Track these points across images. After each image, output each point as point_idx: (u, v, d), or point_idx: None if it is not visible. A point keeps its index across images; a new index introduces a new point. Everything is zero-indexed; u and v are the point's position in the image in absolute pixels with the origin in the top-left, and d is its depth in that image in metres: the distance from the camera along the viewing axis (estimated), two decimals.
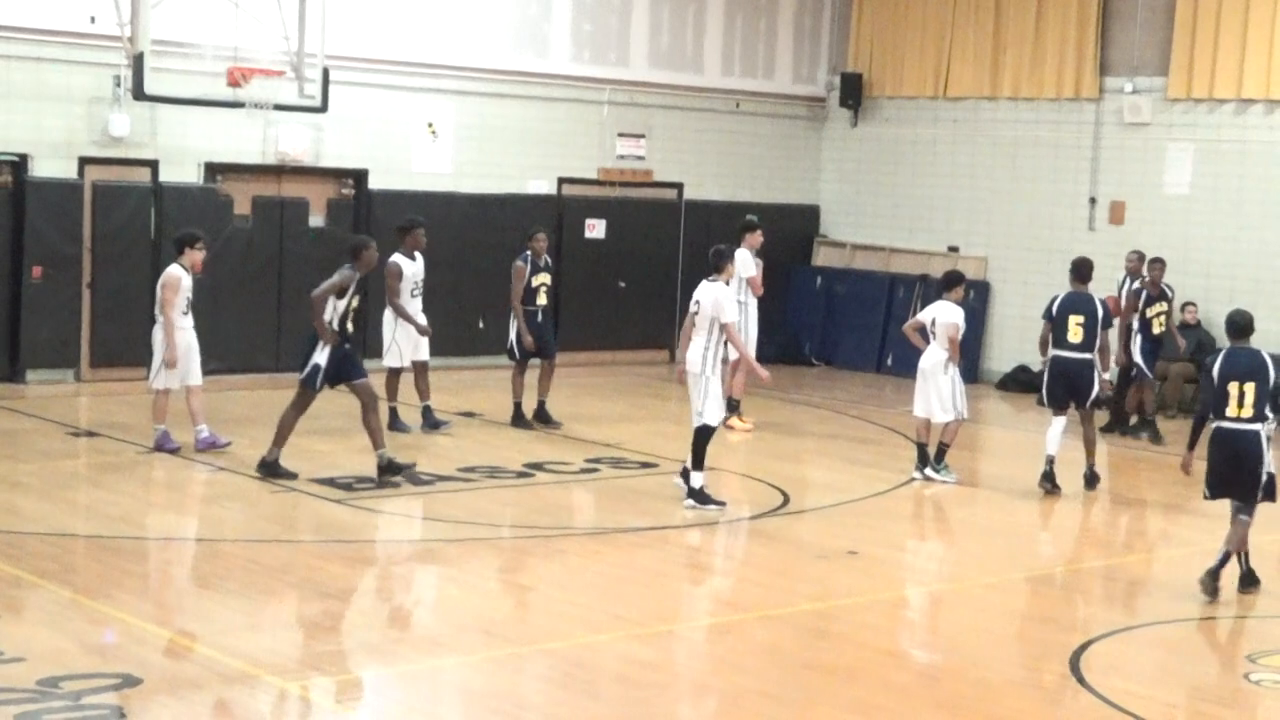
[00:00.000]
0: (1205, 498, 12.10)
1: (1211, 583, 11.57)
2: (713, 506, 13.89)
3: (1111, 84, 22.80)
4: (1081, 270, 15.93)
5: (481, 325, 21.20)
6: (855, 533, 13.56)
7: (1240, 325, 11.91)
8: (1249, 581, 11.87)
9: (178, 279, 15.36)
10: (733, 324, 13.91)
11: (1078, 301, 15.60)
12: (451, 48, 21.93)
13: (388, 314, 16.98)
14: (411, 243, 16.99)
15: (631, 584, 11.77)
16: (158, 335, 15.41)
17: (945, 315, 15.68)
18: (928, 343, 15.84)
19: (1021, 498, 15.95)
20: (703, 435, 13.82)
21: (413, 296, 16.96)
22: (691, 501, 13.92)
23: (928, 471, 15.67)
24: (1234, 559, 11.76)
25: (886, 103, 25.17)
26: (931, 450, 15.72)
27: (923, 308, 23.53)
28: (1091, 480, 15.67)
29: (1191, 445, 12.07)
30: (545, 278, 17.62)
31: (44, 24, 18.84)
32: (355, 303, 14.46)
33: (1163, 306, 19.12)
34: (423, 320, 16.93)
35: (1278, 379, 11.54)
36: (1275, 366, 11.58)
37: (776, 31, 25.26)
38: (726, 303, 13.87)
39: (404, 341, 16.91)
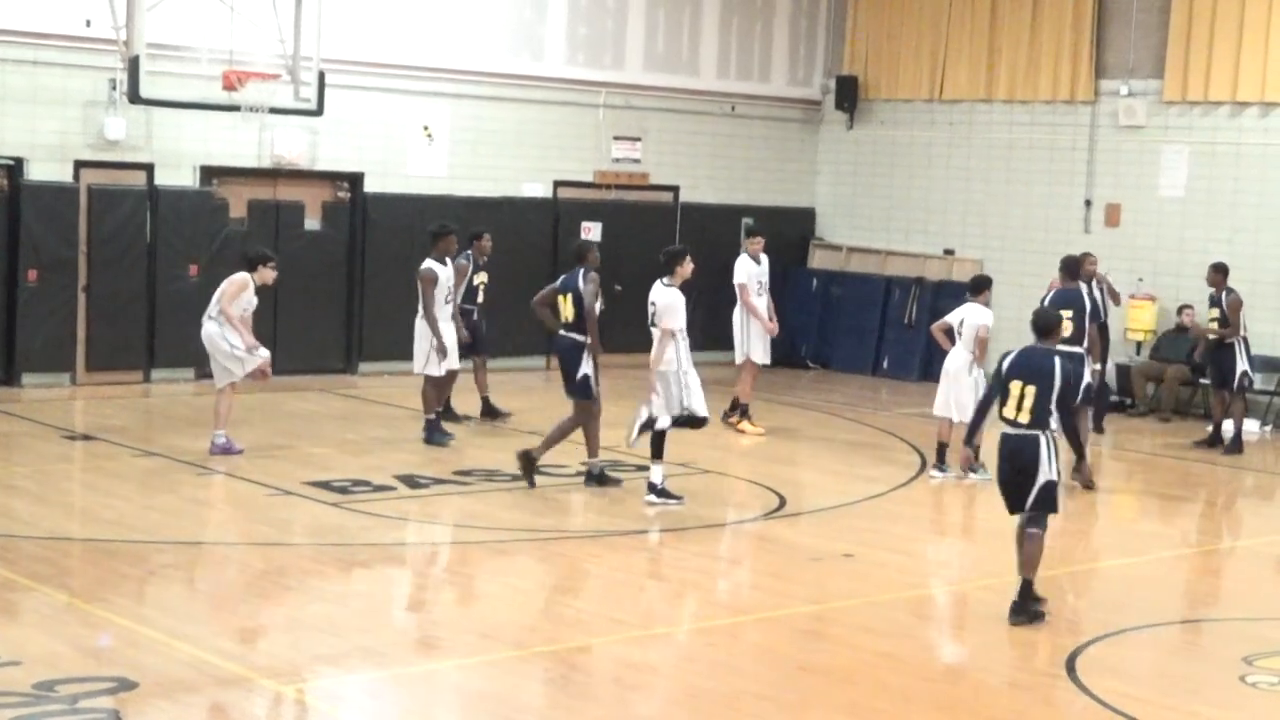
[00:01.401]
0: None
1: (1018, 617, 10.79)
2: (673, 501, 13.91)
3: (1107, 87, 22.83)
4: (1071, 267, 16.40)
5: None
6: (851, 535, 13.56)
7: (1040, 324, 11.11)
8: (1021, 611, 10.83)
9: (245, 282, 15.74)
10: (669, 330, 13.81)
11: (1068, 296, 15.79)
12: (447, 51, 21.93)
13: (419, 321, 16.79)
14: (444, 247, 16.97)
15: (628, 587, 11.77)
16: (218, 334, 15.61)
17: (975, 317, 15.96)
18: (953, 344, 15.95)
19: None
20: (659, 432, 13.86)
21: (445, 303, 16.84)
22: (652, 498, 13.95)
23: (971, 474, 15.74)
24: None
25: (882, 105, 25.19)
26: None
27: (918, 310, 23.69)
28: (1081, 470, 15.45)
29: (968, 439, 11.87)
30: (484, 276, 17.93)
31: (40, 27, 18.84)
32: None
33: (1215, 312, 18.92)
34: (450, 331, 16.88)
35: (1063, 386, 10.65)
36: (1063, 375, 10.67)
37: (772, 34, 25.27)
38: (667, 310, 13.82)
39: (434, 352, 16.76)
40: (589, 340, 14.70)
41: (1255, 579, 13.09)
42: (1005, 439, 10.87)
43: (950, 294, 23.90)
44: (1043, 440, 10.70)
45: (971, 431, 12.11)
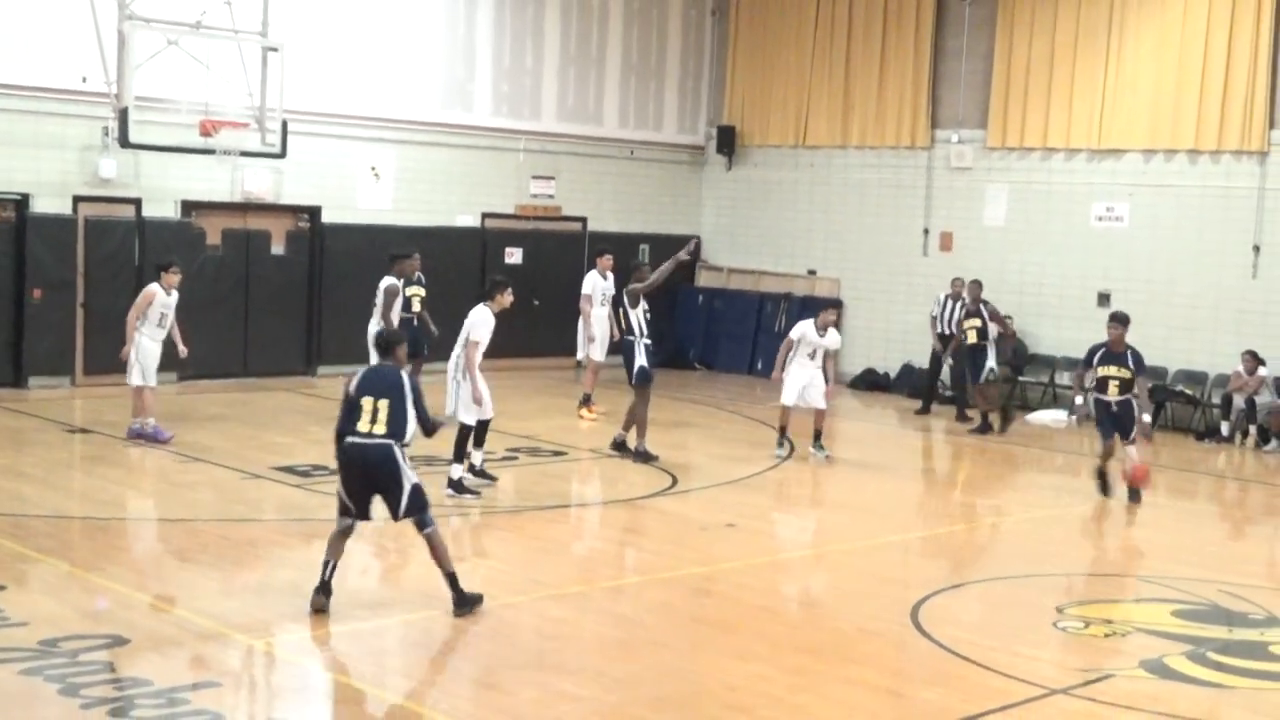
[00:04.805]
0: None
1: (460, 609, 9.57)
2: (469, 496, 13.24)
3: (940, 135, 23.04)
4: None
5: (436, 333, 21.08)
6: (732, 508, 13.60)
7: (380, 344, 10.06)
8: (462, 603, 9.62)
9: (153, 294, 15.43)
10: (473, 345, 13.12)
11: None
12: (391, 103, 21.81)
13: (372, 326, 16.85)
14: (402, 269, 17.26)
15: (546, 553, 11.74)
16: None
17: (812, 336, 16.19)
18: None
19: (872, 477, 16.07)
20: (462, 433, 13.31)
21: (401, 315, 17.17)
22: (451, 491, 13.17)
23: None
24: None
25: (755, 150, 25.29)
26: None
27: (787, 322, 23.76)
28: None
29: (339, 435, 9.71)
30: (418, 289, 17.76)
31: (42, 82, 18.57)
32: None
33: (976, 322, 19.31)
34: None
35: (415, 396, 9.56)
36: (411, 386, 9.58)
37: (664, 91, 25.31)
38: (472, 327, 13.21)
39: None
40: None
41: (1065, 541, 13.25)
42: (354, 447, 9.41)
43: (813, 307, 24.03)
44: (395, 446, 9.45)
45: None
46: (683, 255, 16.15)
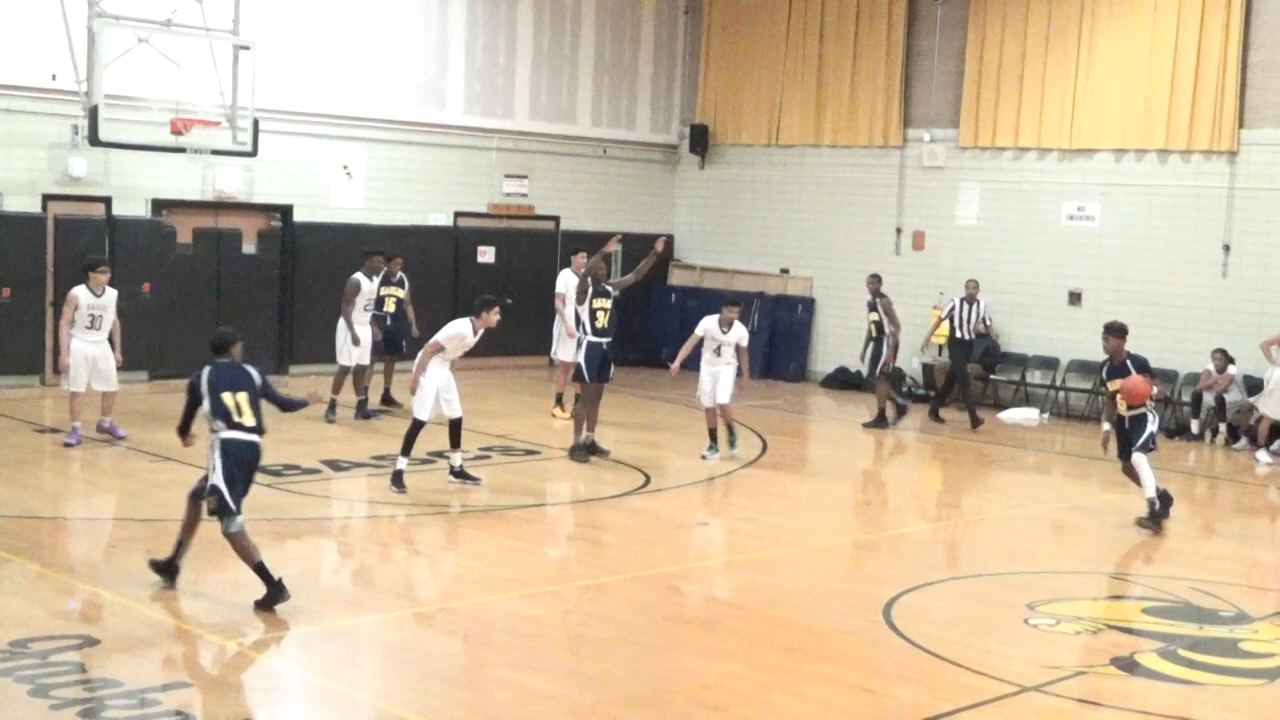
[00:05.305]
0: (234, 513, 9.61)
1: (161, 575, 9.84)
2: (395, 489, 13.34)
3: (913, 134, 23.11)
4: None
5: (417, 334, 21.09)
6: (706, 507, 13.63)
7: (214, 343, 10.04)
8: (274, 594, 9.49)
9: (75, 298, 15.15)
10: (433, 344, 13.34)
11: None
12: (364, 102, 21.75)
13: (341, 321, 17.35)
14: (370, 266, 17.59)
15: (520, 552, 11.73)
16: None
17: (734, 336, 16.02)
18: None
19: (845, 475, 16.11)
20: (412, 427, 13.46)
21: (365, 310, 17.47)
22: (396, 488, 13.35)
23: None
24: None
25: (729, 149, 25.32)
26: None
27: (759, 319, 23.83)
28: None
29: (181, 430, 10.16)
30: (395, 290, 17.98)
31: (11, 80, 18.48)
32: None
33: (874, 315, 19.10)
34: (364, 332, 17.41)
35: (263, 385, 9.88)
36: (259, 376, 9.89)
37: (636, 90, 25.31)
38: (442, 331, 13.41)
39: (349, 345, 17.36)
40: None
41: (1035, 539, 13.29)
42: (237, 442, 9.58)
43: (786, 306, 24.15)
44: (259, 440, 9.69)
45: (180, 429, 10.29)
46: (659, 247, 16.25)
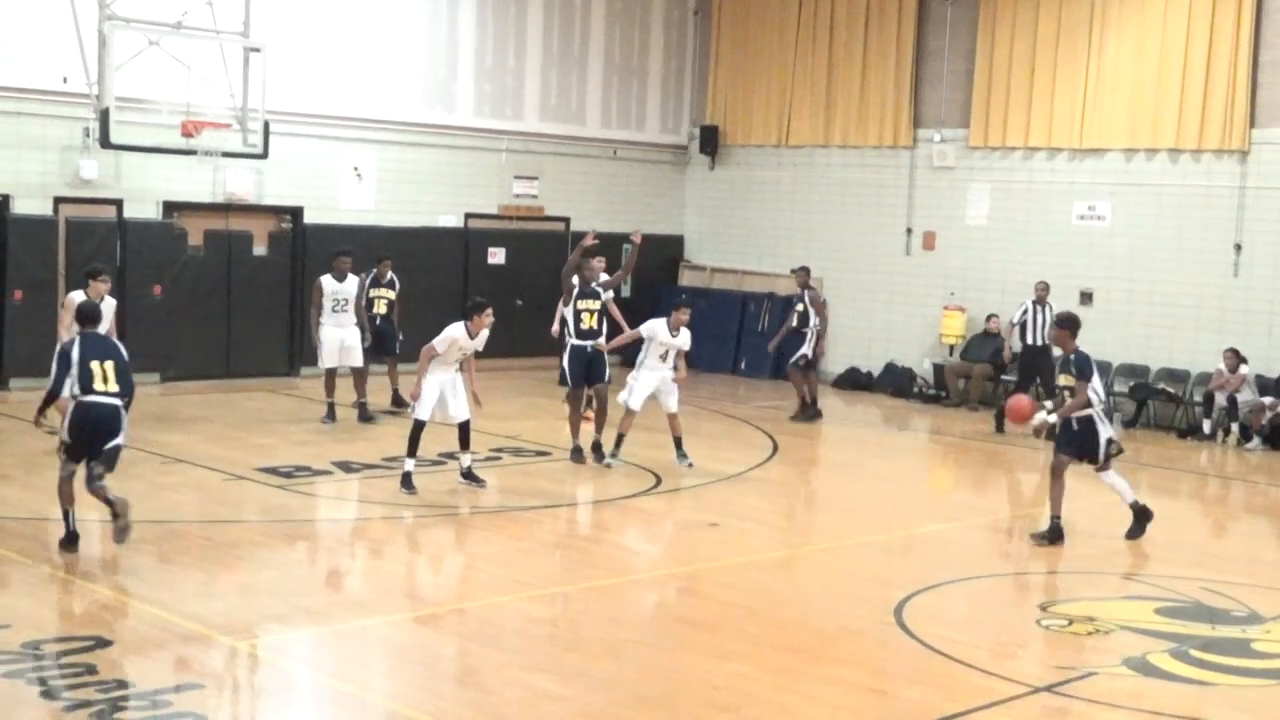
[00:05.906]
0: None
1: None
2: (405, 490, 13.32)
3: (923, 135, 23.09)
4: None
5: (401, 337, 21.08)
6: (716, 508, 13.61)
7: (83, 319, 10.93)
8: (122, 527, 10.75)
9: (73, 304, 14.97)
10: (429, 347, 13.30)
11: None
12: (374, 103, 21.78)
13: (325, 322, 17.27)
14: (338, 267, 17.43)
15: (529, 553, 11.73)
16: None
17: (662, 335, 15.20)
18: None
19: (855, 476, 16.09)
20: (415, 428, 13.44)
21: (334, 311, 17.28)
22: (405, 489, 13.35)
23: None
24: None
25: (738, 150, 25.31)
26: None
27: (769, 320, 23.80)
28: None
29: (41, 409, 11.00)
30: (384, 292, 18.06)
31: (23, 83, 18.51)
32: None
33: (799, 307, 19.52)
34: (327, 334, 17.23)
35: (120, 361, 10.72)
36: (123, 350, 10.90)
37: (646, 91, 25.32)
38: (440, 334, 13.40)
39: (330, 346, 17.29)
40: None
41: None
42: (89, 405, 10.54)
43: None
44: (120, 404, 10.67)
45: (41, 408, 11.15)
46: (635, 239, 16.39)
